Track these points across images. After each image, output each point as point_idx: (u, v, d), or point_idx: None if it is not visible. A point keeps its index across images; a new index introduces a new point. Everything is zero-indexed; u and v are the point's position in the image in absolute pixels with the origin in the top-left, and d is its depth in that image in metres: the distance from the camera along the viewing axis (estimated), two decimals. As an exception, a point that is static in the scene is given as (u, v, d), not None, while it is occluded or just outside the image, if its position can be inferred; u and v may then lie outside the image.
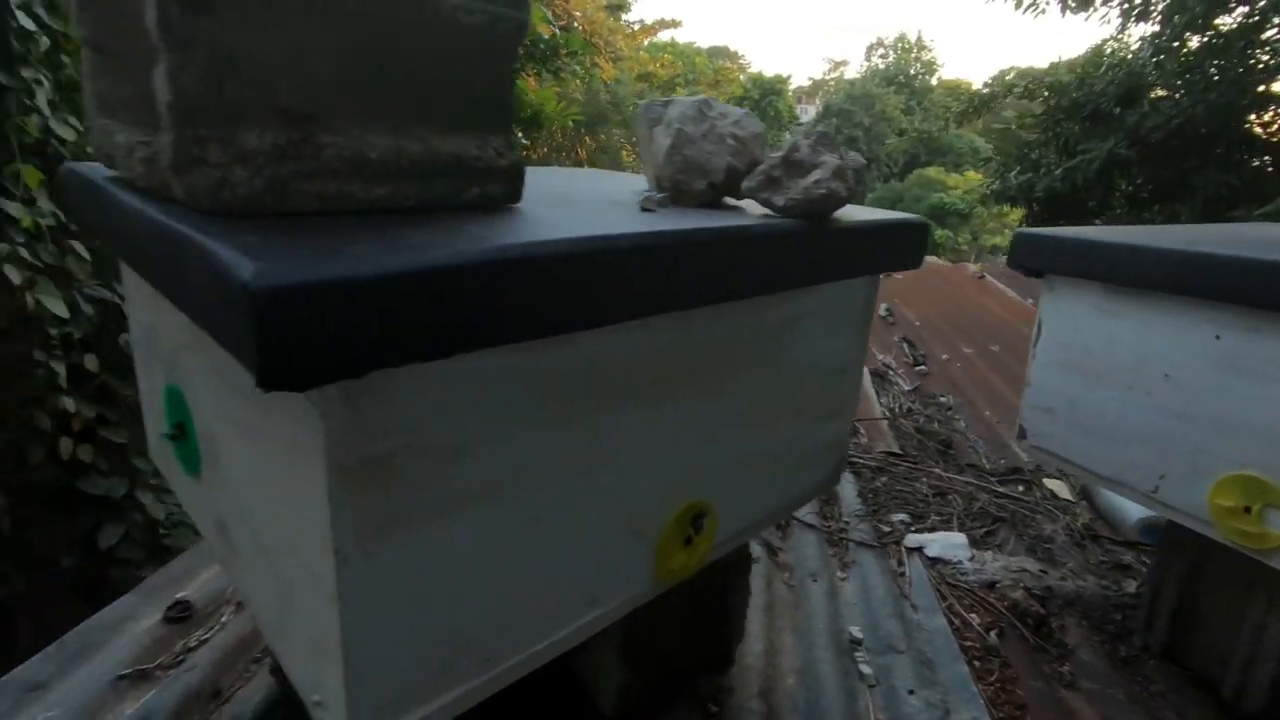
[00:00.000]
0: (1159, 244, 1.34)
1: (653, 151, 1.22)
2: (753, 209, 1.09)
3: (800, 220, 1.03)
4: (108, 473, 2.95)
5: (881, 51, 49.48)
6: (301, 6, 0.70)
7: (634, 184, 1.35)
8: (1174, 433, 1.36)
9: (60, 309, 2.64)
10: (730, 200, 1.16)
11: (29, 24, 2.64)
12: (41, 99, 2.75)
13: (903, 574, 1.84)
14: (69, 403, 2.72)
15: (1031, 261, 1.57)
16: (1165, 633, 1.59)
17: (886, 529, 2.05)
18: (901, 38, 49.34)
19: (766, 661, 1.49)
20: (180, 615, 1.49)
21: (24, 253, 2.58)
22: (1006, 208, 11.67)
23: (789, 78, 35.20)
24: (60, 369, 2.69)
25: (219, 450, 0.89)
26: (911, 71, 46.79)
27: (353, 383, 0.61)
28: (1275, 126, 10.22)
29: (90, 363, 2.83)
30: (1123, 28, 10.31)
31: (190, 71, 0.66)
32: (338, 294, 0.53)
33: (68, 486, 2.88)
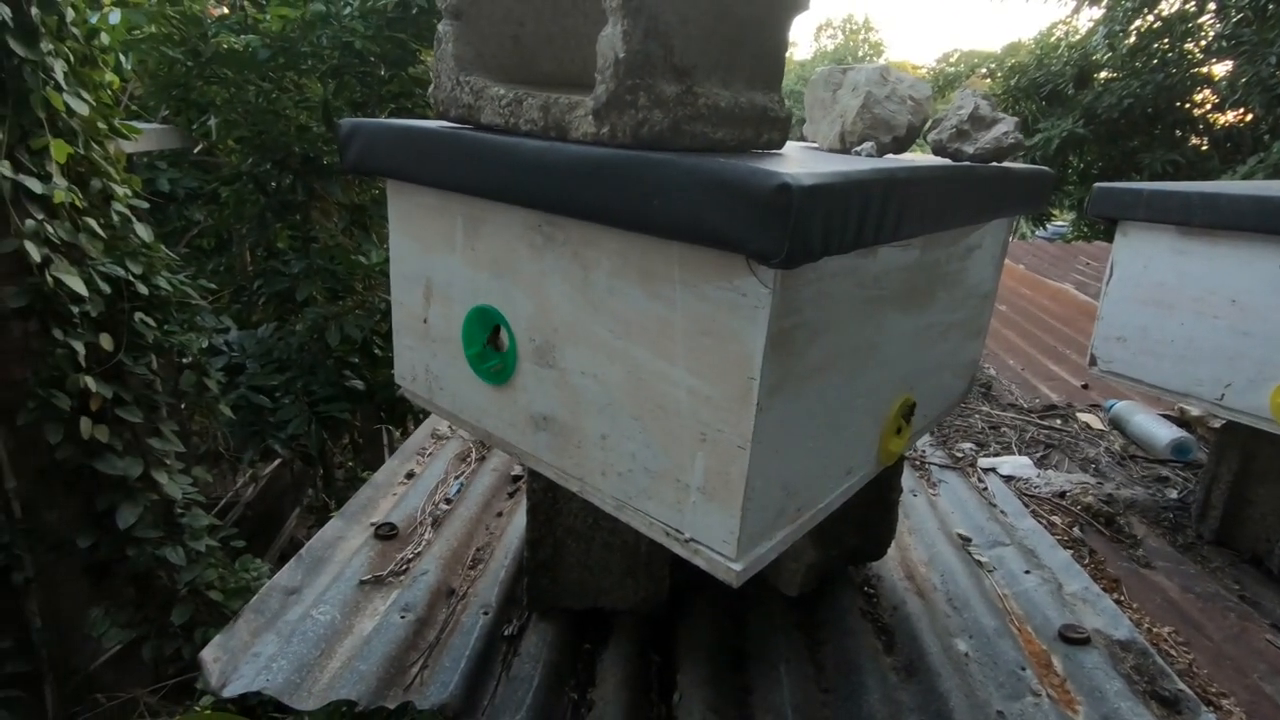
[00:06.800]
0: (1230, 191, 1.62)
1: (837, 111, 1.43)
2: (909, 163, 1.31)
3: (983, 165, 1.26)
4: (123, 453, 2.94)
5: (830, 33, 50.15)
6: (700, -18, 0.89)
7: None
8: (1239, 348, 1.65)
9: (79, 286, 2.62)
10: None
11: None
12: (59, 73, 2.69)
13: (985, 489, 2.12)
14: (89, 382, 2.69)
15: (1109, 210, 1.84)
16: (1217, 522, 1.90)
17: (959, 455, 2.32)
18: (849, 19, 49.95)
19: (900, 555, 1.75)
20: (389, 534, 1.65)
21: (49, 229, 2.53)
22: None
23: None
24: (79, 348, 2.66)
25: (558, 352, 1.07)
26: (860, 53, 47.51)
27: (786, 270, 0.81)
28: (1208, 107, 10.98)
29: (105, 342, 2.78)
30: (1076, 9, 10.86)
31: (636, 33, 0.84)
32: (839, 192, 0.73)
33: (84, 467, 2.86)
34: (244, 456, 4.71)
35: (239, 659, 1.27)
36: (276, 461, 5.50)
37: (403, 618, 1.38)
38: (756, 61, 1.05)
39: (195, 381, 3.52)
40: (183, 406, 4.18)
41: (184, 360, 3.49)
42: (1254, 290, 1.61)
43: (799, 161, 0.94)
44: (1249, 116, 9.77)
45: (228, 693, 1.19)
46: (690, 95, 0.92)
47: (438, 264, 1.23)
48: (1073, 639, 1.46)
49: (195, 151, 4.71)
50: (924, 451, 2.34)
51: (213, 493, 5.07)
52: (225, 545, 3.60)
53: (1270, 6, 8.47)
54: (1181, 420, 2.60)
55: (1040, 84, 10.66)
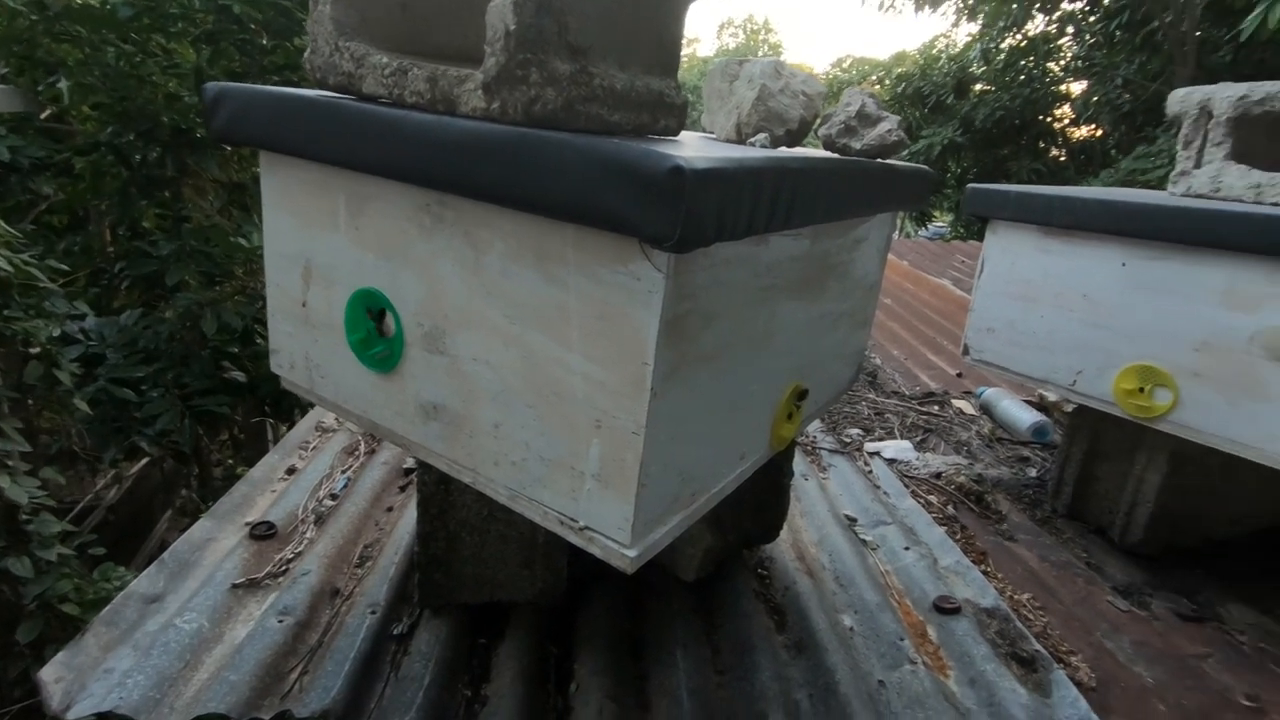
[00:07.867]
0: (1083, 195, 1.77)
1: (733, 103, 1.45)
2: (801, 154, 1.36)
3: (870, 161, 1.31)
4: (-47, 454, 2.67)
5: (732, 31, 51.24)
6: (594, -41, 0.87)
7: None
8: (1089, 339, 1.81)
9: None
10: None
11: None
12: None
13: (870, 472, 2.23)
14: None
15: (981, 209, 1.98)
16: (1069, 497, 2.09)
17: (847, 440, 2.43)
18: (750, 19, 51.25)
19: (792, 537, 1.81)
20: (266, 534, 1.55)
21: None
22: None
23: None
24: None
25: (448, 338, 1.03)
26: (760, 53, 48.85)
27: (680, 255, 0.81)
28: (1066, 122, 12.04)
29: None
30: (956, 23, 11.62)
31: (528, 5, 0.81)
32: (732, 178, 0.73)
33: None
34: (105, 455, 4.29)
35: (87, 676, 1.15)
36: (144, 460, 5.05)
37: (280, 621, 1.29)
38: (654, 46, 1.04)
39: (43, 373, 3.16)
40: (29, 401, 3.75)
41: (30, 350, 3.14)
42: (1102, 286, 1.78)
43: (694, 148, 0.94)
44: (1099, 132, 10.80)
45: (72, 715, 1.07)
46: (585, 75, 0.90)
47: (318, 243, 1.16)
48: (945, 609, 1.57)
49: (42, 117, 4.22)
50: (815, 437, 2.44)
51: (68, 496, 4.60)
52: (82, 553, 3.27)
53: (1118, 33, 9.38)
54: (1041, 405, 2.84)
55: (924, 93, 11.36)
